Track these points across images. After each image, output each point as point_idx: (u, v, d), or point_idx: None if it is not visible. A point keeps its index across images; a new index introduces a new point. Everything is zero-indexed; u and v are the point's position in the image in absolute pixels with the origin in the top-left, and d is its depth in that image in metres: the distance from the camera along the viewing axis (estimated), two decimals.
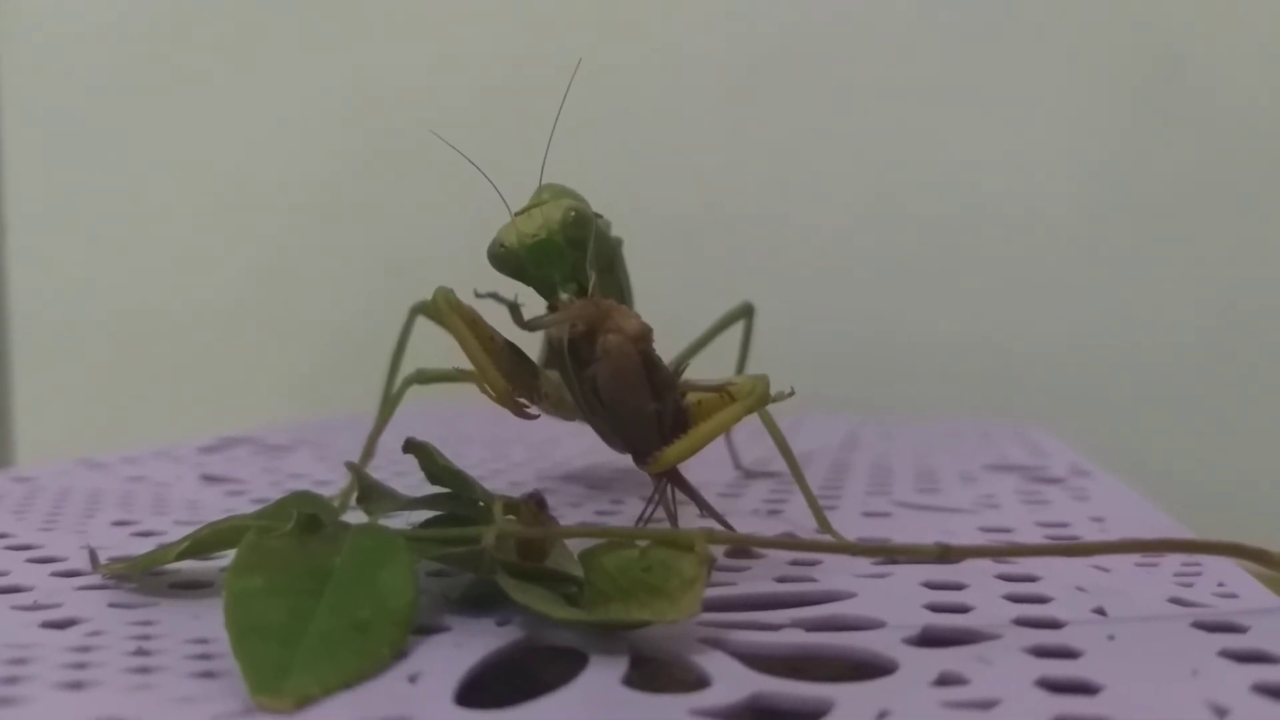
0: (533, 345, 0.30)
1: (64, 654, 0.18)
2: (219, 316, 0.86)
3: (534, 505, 0.23)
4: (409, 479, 0.36)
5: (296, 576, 0.19)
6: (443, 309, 0.26)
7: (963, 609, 0.22)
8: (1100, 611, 0.21)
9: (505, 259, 0.26)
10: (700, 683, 0.18)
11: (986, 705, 0.16)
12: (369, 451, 0.34)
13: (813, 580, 0.24)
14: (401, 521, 0.25)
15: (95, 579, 0.24)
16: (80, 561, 0.25)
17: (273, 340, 0.85)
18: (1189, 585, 0.24)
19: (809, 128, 0.76)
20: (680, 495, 0.26)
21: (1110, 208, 0.72)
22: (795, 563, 0.26)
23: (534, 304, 0.26)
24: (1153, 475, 0.51)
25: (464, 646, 0.19)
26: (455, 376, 0.28)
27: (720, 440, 0.43)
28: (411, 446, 0.25)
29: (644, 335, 0.24)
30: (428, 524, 0.24)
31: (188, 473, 0.40)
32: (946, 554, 0.21)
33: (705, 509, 0.26)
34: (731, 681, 0.17)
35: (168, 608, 0.22)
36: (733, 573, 0.25)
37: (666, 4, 0.78)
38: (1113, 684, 0.17)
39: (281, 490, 0.35)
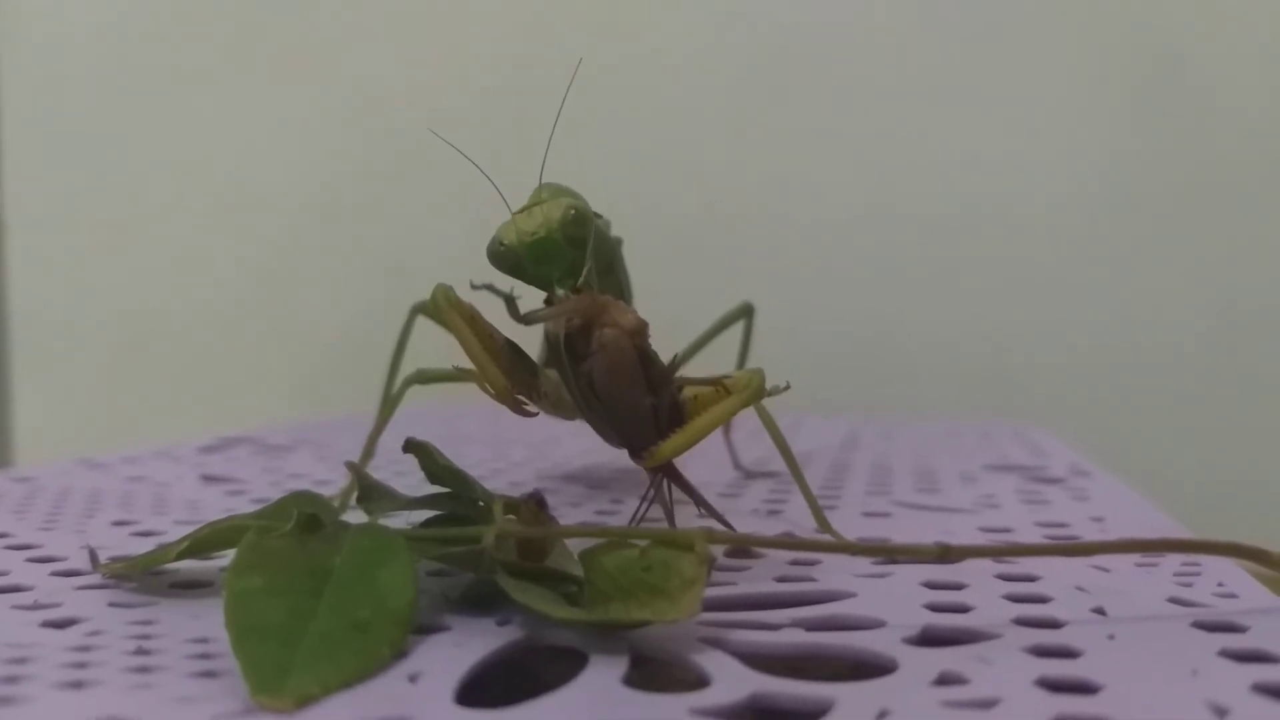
0: (532, 345, 0.30)
1: (64, 654, 0.18)
2: (219, 317, 0.86)
3: (534, 505, 0.23)
4: (409, 479, 0.36)
5: (296, 576, 0.19)
6: (442, 306, 0.26)
7: (963, 609, 0.22)
8: (1100, 611, 0.21)
9: (505, 257, 0.26)
10: (700, 682, 0.18)
11: (986, 705, 0.16)
12: (369, 451, 0.34)
13: (813, 580, 0.24)
14: (401, 521, 0.25)
15: (95, 579, 0.24)
16: (80, 561, 0.25)
17: (273, 340, 0.85)
18: (1189, 585, 0.24)
19: (808, 128, 0.76)
20: (679, 494, 0.26)
21: (1110, 208, 0.72)
22: (795, 562, 0.26)
23: (533, 301, 0.26)
24: (1153, 475, 0.51)
25: (464, 646, 0.19)
26: (455, 376, 0.28)
27: (720, 440, 0.43)
28: (411, 446, 0.25)
29: (640, 330, 0.24)
30: (428, 524, 0.24)
31: (188, 473, 0.40)
32: (946, 554, 0.21)
33: (701, 504, 0.26)
34: (731, 681, 0.17)
35: (168, 607, 0.22)
36: (733, 572, 0.25)
37: (666, 4, 0.78)
38: (1113, 684, 0.17)
39: (281, 490, 0.35)
